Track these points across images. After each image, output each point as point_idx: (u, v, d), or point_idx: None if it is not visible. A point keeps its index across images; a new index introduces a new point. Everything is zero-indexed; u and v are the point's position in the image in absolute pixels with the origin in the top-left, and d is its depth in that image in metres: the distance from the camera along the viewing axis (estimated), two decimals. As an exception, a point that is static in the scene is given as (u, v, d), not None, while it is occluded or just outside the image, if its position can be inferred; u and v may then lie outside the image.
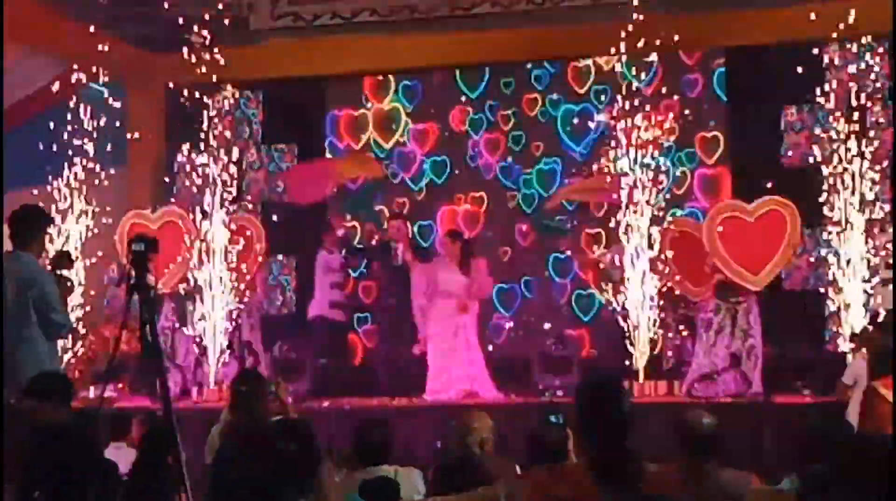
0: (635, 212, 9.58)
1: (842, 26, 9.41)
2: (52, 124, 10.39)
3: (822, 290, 9.66)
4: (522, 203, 12.11)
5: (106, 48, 10.35)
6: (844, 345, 9.22)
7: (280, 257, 11.91)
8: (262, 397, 5.82)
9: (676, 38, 9.72)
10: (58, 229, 10.04)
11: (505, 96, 12.15)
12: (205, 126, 10.46)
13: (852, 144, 9.35)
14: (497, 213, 12.13)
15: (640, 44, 9.65)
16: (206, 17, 10.34)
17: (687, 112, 11.14)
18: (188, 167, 10.49)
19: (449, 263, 10.09)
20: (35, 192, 10.26)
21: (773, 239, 9.47)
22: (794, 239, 9.52)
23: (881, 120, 9.66)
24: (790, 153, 10.19)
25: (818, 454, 4.52)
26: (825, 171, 9.47)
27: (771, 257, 9.46)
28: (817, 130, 9.81)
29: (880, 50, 9.86)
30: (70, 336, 10.02)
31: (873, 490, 3.60)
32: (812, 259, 9.94)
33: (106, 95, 10.75)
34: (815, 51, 9.87)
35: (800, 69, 9.64)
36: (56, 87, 10.62)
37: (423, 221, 12.19)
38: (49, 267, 6.98)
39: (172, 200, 11.03)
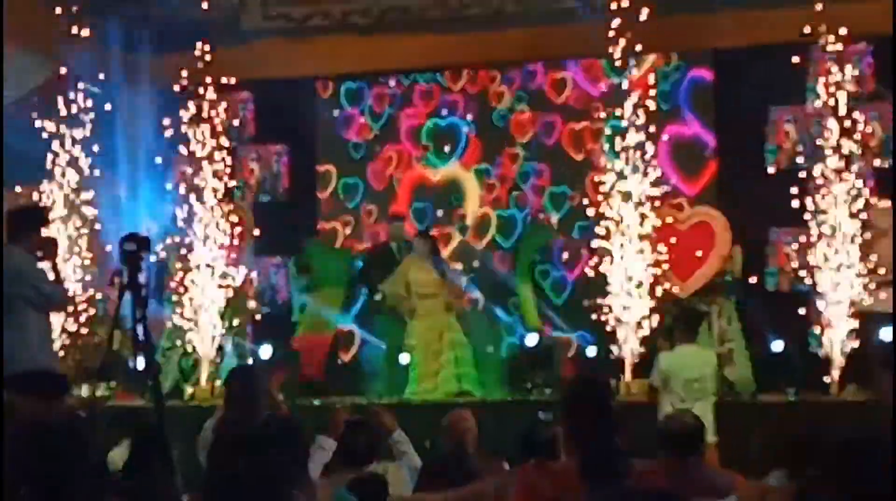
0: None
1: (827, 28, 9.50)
2: (43, 125, 10.42)
3: (807, 290, 9.68)
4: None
5: (96, 49, 10.37)
6: (830, 347, 9.29)
7: (274, 257, 11.85)
8: (256, 393, 5.86)
9: (663, 39, 9.78)
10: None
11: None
12: (195, 127, 10.49)
13: (840, 145, 9.41)
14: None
15: (625, 46, 9.75)
16: (198, 17, 10.38)
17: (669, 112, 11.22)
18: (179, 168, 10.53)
19: (422, 264, 10.04)
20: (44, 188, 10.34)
21: (702, 248, 9.70)
22: (721, 251, 9.65)
23: (867, 120, 9.72)
24: (776, 155, 10.23)
25: (810, 455, 4.56)
26: (815, 172, 9.52)
27: (700, 266, 9.66)
28: (804, 132, 9.86)
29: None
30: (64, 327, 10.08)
31: (865, 491, 3.61)
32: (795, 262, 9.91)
33: (97, 95, 10.77)
34: (798, 55, 9.90)
35: (786, 71, 9.71)
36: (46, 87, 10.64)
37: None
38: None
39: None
